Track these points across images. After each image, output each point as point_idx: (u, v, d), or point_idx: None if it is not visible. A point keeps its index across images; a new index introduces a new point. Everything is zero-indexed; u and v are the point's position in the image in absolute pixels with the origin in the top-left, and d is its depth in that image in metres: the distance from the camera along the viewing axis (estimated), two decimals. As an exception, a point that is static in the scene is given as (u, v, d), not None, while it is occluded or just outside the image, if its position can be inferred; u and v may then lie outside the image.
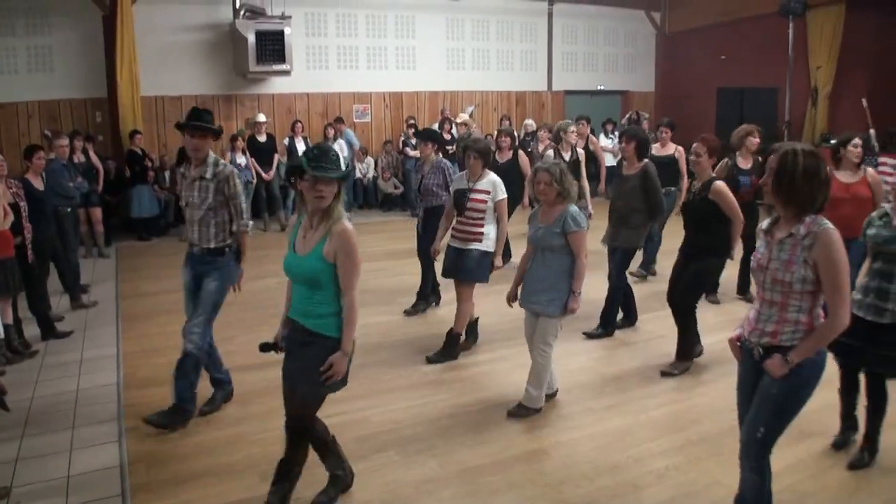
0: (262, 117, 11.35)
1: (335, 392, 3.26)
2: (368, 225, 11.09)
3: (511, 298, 4.64)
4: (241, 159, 10.53)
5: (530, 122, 12.91)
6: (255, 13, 11.43)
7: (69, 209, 7.35)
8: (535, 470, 3.80)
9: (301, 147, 11.07)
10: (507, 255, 7.02)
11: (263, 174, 10.98)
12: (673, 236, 6.22)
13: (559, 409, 4.51)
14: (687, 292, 5.14)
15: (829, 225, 2.70)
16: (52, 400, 4.77)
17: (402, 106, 13.73)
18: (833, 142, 5.92)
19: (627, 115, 14.36)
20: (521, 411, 4.43)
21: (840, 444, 3.97)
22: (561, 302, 4.27)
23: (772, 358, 2.79)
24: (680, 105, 14.60)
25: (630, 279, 6.29)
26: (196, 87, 11.85)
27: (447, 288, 6.32)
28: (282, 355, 3.37)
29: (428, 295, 6.68)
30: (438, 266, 6.01)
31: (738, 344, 3.03)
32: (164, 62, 11.36)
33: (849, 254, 2.76)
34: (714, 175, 5.20)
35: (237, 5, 11.38)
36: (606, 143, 12.43)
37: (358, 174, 12.53)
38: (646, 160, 5.85)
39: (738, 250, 5.37)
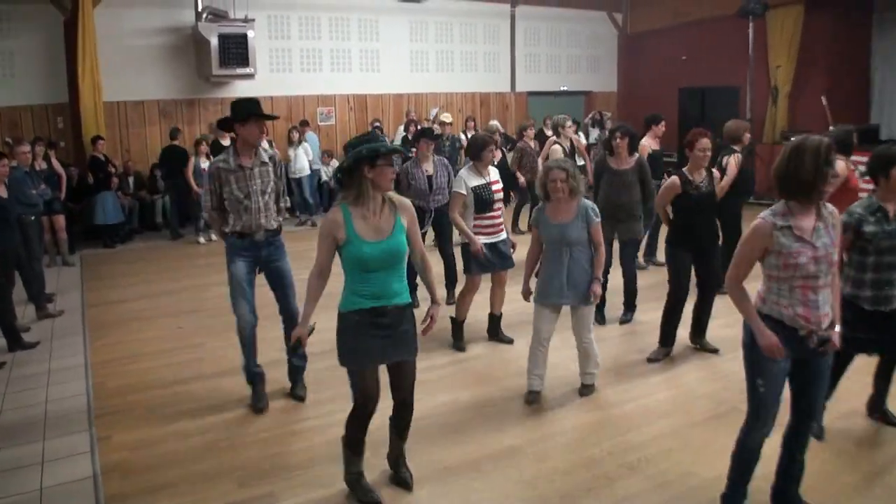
0: (225, 121, 11.23)
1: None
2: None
3: (527, 294, 4.73)
4: (205, 163, 10.40)
5: (495, 123, 12.98)
6: (218, 16, 11.34)
7: (33, 217, 7.22)
8: (510, 467, 3.84)
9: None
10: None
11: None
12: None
13: (533, 406, 4.57)
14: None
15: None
16: (22, 413, 4.69)
17: (367, 108, 13.72)
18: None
19: (591, 115, 14.55)
20: (589, 391, 4.76)
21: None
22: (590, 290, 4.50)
23: (834, 334, 2.96)
24: (642, 105, 14.72)
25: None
26: (159, 92, 11.73)
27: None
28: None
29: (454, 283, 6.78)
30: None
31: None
32: (126, 67, 11.21)
33: None
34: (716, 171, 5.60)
35: (199, 8, 11.26)
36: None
37: (324, 177, 12.49)
38: (636, 153, 6.18)
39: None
